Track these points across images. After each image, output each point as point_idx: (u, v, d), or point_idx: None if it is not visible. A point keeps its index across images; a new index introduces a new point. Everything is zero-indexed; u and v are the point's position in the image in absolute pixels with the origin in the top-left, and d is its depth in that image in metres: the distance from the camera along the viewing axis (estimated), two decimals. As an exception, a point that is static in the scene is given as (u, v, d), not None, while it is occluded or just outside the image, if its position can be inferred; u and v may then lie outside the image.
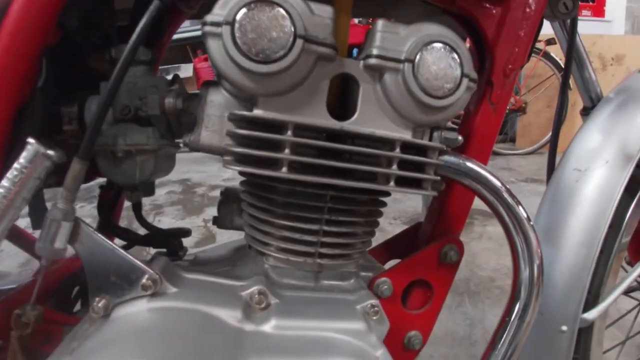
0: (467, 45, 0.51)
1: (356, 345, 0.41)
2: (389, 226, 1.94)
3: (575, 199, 0.74)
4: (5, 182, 0.39)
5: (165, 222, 2.16)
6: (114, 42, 0.55)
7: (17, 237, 0.78)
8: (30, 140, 0.39)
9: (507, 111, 4.32)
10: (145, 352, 0.35)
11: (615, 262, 0.78)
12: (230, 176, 2.89)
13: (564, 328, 0.73)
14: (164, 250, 0.61)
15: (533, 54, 3.93)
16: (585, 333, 0.79)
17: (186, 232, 0.65)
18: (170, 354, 0.35)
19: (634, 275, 0.76)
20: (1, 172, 0.42)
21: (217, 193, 0.50)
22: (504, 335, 0.58)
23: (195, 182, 2.91)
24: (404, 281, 0.59)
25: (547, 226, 0.76)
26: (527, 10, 0.61)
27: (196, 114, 0.49)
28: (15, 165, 0.39)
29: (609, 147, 0.75)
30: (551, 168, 0.84)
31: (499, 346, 0.58)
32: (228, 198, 0.60)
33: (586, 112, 0.90)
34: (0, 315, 0.47)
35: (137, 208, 0.57)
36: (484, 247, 2.12)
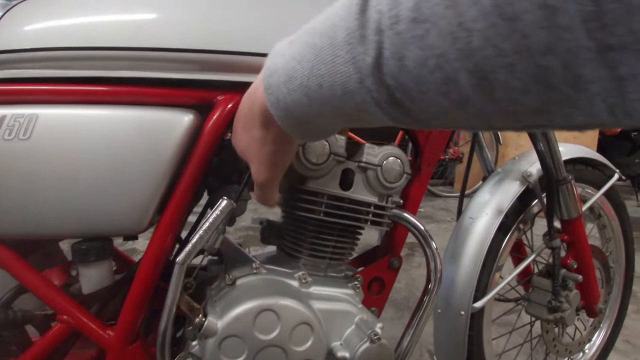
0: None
1: (350, 300, 0.82)
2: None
3: (469, 235, 1.13)
4: (207, 223, 0.66)
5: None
6: None
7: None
8: (224, 197, 0.68)
9: (446, 160, 4.83)
10: (261, 295, 0.74)
11: (495, 275, 1.17)
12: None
13: (462, 313, 1.09)
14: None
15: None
16: (477, 318, 1.16)
17: None
18: (273, 294, 0.74)
19: (503, 283, 1.15)
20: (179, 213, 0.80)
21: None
22: (417, 315, 0.85)
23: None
24: (369, 277, 0.91)
25: (453, 251, 1.14)
26: (442, 128, 1.02)
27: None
28: (215, 213, 0.66)
29: (490, 204, 1.15)
30: (459, 214, 1.23)
31: (414, 322, 0.85)
32: (269, 226, 0.98)
33: (484, 179, 1.30)
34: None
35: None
36: (421, 273, 2.48)
